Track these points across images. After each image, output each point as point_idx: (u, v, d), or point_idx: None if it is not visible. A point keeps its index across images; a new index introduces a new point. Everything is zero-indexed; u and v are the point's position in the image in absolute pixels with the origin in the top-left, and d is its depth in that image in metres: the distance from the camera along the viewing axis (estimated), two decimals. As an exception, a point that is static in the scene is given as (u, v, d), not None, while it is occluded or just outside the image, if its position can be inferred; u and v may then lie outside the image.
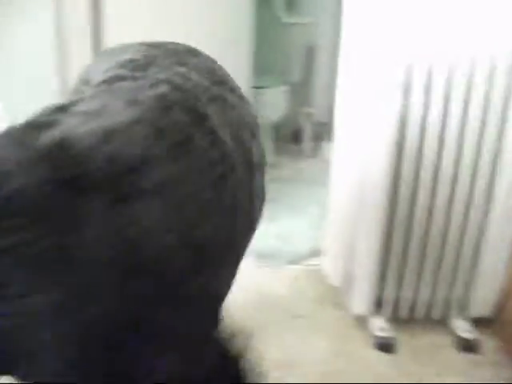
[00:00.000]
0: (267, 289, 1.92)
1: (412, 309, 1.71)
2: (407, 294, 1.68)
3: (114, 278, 0.64)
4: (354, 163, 1.67)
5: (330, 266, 1.90)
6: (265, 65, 2.94)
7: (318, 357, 1.59)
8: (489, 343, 1.66)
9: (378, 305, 1.70)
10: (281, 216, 2.40)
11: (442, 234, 1.62)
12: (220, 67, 0.99)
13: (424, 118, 1.52)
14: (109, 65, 0.87)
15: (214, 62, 1.00)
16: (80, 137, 0.64)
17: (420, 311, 1.71)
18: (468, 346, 1.65)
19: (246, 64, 2.58)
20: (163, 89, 0.77)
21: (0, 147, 0.64)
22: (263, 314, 1.74)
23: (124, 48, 0.95)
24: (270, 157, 3.08)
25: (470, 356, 1.63)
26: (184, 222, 0.70)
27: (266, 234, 2.22)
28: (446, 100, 1.50)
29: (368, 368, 1.57)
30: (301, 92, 3.29)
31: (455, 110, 1.50)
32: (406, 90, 1.49)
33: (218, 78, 0.92)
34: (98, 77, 0.84)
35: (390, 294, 1.68)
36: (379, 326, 1.68)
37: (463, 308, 1.71)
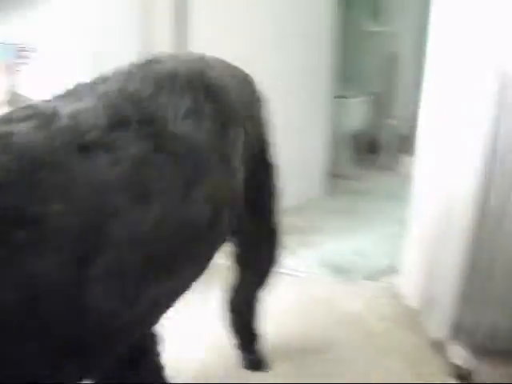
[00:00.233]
0: (341, 304, 1.86)
1: (493, 337, 1.59)
2: (489, 319, 1.57)
3: None
4: (439, 179, 1.59)
5: (407, 284, 1.82)
6: (346, 74, 2.89)
7: (391, 380, 1.52)
8: None
9: (457, 330, 1.60)
10: (357, 230, 2.34)
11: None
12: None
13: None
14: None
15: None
16: None
17: (502, 340, 1.59)
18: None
19: (328, 73, 2.55)
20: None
21: None
22: (336, 330, 1.70)
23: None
24: (347, 168, 3.03)
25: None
26: None
27: (342, 248, 2.17)
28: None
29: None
30: (382, 102, 3.21)
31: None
32: (500, 103, 1.39)
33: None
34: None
35: (471, 318, 1.58)
36: (457, 352, 1.58)
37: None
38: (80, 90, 0.79)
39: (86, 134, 0.67)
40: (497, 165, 1.44)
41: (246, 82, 1.12)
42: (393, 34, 3.11)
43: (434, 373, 1.55)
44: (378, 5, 3.16)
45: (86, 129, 0.67)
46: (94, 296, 0.65)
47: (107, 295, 0.66)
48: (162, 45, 1.77)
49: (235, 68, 1.11)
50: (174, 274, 0.79)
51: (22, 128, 0.63)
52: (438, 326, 1.60)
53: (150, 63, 0.90)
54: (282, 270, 1.58)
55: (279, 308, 1.71)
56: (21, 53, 1.68)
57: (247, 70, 1.12)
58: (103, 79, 0.82)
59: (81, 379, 0.74)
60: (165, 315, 0.88)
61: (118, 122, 0.71)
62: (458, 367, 1.54)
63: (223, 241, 1.00)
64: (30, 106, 0.71)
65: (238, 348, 1.45)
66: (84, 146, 0.65)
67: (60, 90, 0.79)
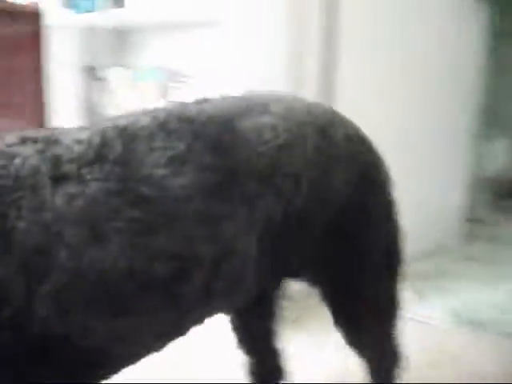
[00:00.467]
0: (472, 360, 1.70)
1: None
2: None
3: None
4: None
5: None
6: (490, 112, 2.72)
7: None
8: None
9: None
10: (495, 280, 2.14)
11: None
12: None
13: None
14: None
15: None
16: None
17: None
18: None
19: (471, 111, 2.41)
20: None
21: None
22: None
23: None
24: (485, 212, 2.82)
25: None
26: None
27: (477, 299, 2.00)
28: None
29: None
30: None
31: None
32: None
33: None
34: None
35: None
36: None
37: None
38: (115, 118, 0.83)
39: (67, 164, 0.71)
40: None
41: (343, 141, 0.93)
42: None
43: None
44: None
45: (69, 159, 0.72)
46: (41, 314, 0.67)
47: (54, 318, 0.68)
48: (310, 89, 1.78)
49: (327, 116, 0.95)
50: (132, 315, 0.75)
51: (26, 150, 0.71)
52: None
53: (195, 103, 0.88)
54: (410, 315, 1.49)
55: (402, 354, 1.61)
56: (175, 77, 1.80)
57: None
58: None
59: None
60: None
61: (98, 156, 0.73)
62: None
63: (214, 309, 0.87)
64: (45, 131, 0.77)
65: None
66: (59, 177, 0.70)
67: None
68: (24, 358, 0.69)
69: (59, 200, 0.68)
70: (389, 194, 1.01)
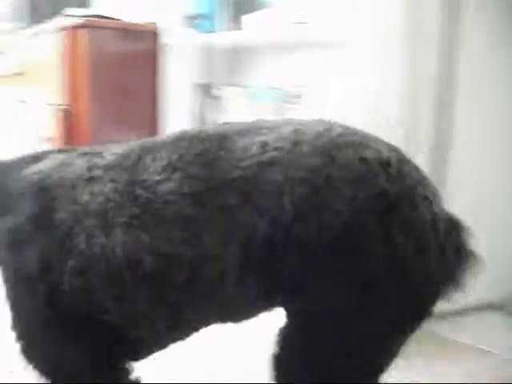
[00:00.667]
0: None
1: None
2: None
3: None
4: None
5: None
6: None
7: None
8: None
9: None
10: None
11: None
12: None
13: None
14: None
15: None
16: None
17: None
18: None
19: None
20: None
21: None
22: None
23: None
24: None
25: None
26: None
27: None
28: None
29: None
30: None
31: None
32: None
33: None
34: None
35: None
36: None
37: None
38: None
39: (96, 169, 0.90)
40: None
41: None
42: None
43: None
44: None
45: (100, 165, 0.91)
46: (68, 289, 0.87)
47: (78, 294, 0.87)
48: (422, 124, 1.72)
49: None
50: (130, 301, 0.89)
51: (80, 160, 0.93)
52: None
53: (215, 125, 0.97)
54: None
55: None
56: (289, 98, 1.81)
57: None
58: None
59: None
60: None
61: (117, 164, 0.90)
62: None
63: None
64: (99, 147, 0.97)
65: None
66: (89, 178, 0.89)
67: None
68: (57, 333, 0.91)
69: (86, 196, 0.87)
70: (417, 237, 0.82)
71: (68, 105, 2.07)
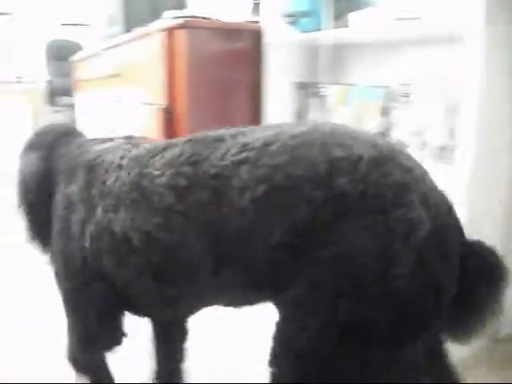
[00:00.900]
0: None
1: None
2: None
3: None
4: None
5: None
6: None
7: None
8: None
9: None
10: None
11: None
12: None
13: None
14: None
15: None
16: None
17: None
18: None
19: None
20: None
21: None
22: None
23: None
24: None
25: None
26: None
27: None
28: None
29: None
30: None
31: None
32: None
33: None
34: None
35: None
36: None
37: None
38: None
39: (124, 159, 1.09)
40: None
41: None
42: None
43: None
44: None
45: (128, 156, 1.09)
46: (88, 251, 1.11)
47: (93, 259, 1.10)
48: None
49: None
50: (125, 270, 1.07)
51: (121, 149, 1.14)
52: None
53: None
54: None
55: None
56: (396, 97, 1.73)
57: None
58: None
59: None
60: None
61: (135, 156, 1.08)
62: None
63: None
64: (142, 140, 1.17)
65: None
66: (118, 165, 1.08)
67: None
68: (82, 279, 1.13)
69: (112, 179, 1.06)
70: (378, 245, 0.77)
71: (168, 104, 2.09)
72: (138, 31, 2.40)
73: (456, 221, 0.86)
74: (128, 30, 2.66)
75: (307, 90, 2.12)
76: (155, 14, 2.47)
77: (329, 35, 1.83)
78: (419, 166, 0.86)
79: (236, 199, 0.86)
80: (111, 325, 1.18)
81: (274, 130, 0.91)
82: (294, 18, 1.97)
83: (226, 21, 2.21)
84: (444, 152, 1.61)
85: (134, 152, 1.07)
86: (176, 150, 0.98)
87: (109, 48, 2.84)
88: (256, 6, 2.38)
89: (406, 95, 1.71)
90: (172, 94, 2.08)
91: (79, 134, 1.39)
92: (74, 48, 4.09)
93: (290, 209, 0.82)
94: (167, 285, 1.01)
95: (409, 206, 0.77)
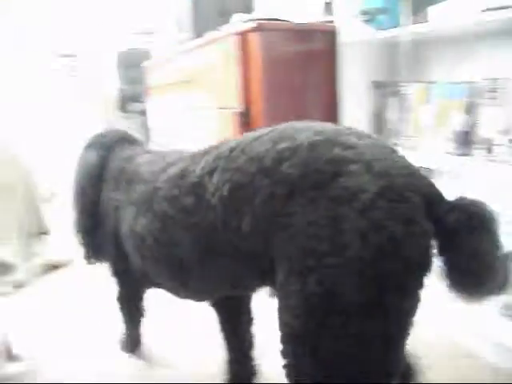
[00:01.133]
0: None
1: None
2: None
3: None
4: None
5: None
6: None
7: None
8: None
9: None
10: None
11: None
12: None
13: None
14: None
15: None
16: None
17: None
18: None
19: None
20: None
21: None
22: None
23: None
24: None
25: None
26: None
27: None
28: None
29: None
30: None
31: None
32: None
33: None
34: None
35: None
36: None
37: None
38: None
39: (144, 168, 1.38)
40: None
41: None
42: None
43: None
44: None
45: (147, 166, 1.37)
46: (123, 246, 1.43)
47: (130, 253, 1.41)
48: None
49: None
50: (145, 262, 1.33)
51: (143, 157, 1.45)
52: None
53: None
54: None
55: None
56: (483, 92, 1.65)
57: None
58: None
59: None
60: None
61: (155, 167, 1.31)
62: None
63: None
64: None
65: None
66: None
67: None
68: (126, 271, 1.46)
69: (134, 187, 1.33)
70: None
71: (244, 108, 2.10)
72: (210, 36, 2.42)
73: (420, 183, 0.86)
74: (197, 36, 2.70)
75: (386, 88, 2.07)
76: (223, 18, 2.50)
77: (407, 31, 1.77)
78: (375, 144, 0.90)
79: (211, 199, 1.02)
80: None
81: (245, 136, 1.05)
82: (369, 16, 1.92)
83: (299, 22, 2.19)
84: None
85: (154, 167, 1.28)
86: (185, 163, 1.16)
87: (180, 53, 2.88)
88: (328, 5, 2.34)
89: (493, 91, 1.62)
90: (247, 97, 2.09)
91: (136, 141, 1.59)
92: (143, 56, 4.19)
93: (248, 201, 0.94)
94: (176, 270, 1.19)
95: (348, 175, 0.82)
